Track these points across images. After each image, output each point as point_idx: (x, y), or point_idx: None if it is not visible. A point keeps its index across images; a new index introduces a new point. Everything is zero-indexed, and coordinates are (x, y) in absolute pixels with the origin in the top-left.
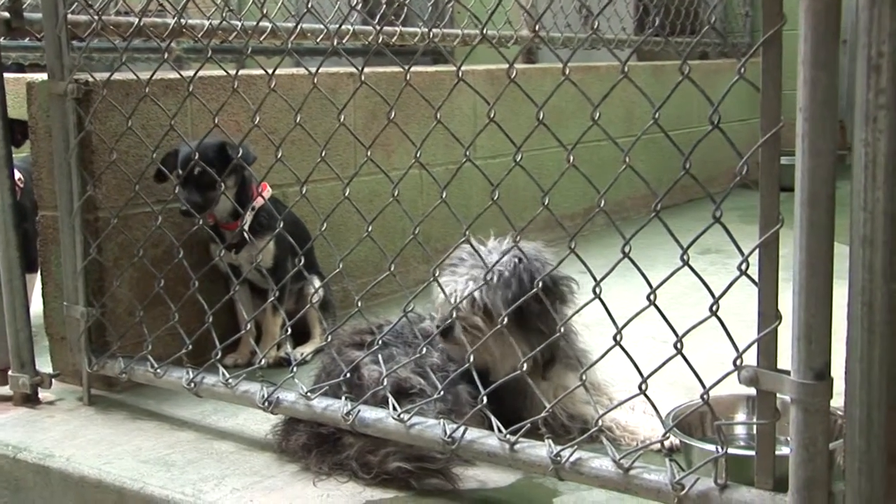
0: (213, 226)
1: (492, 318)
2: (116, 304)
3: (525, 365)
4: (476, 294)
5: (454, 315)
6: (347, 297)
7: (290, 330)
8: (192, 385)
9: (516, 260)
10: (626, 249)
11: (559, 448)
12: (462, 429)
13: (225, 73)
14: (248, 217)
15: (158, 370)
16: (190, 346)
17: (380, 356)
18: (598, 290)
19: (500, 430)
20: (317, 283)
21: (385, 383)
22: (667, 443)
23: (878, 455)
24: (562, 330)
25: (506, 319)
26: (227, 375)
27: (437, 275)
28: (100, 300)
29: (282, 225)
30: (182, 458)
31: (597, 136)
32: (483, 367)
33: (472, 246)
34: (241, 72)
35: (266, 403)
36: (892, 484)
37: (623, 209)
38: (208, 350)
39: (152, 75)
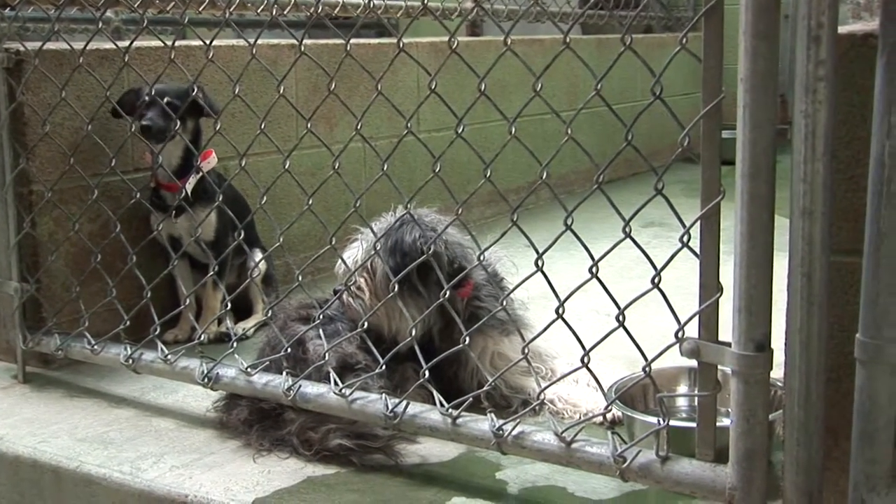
0: (154, 188)
1: (373, 278)
2: (52, 280)
3: (414, 330)
4: (362, 257)
5: (346, 278)
6: (290, 271)
7: (230, 305)
8: (131, 361)
9: (398, 224)
10: (569, 222)
11: (501, 422)
12: (404, 403)
13: (162, 44)
14: (193, 179)
15: (96, 347)
16: (128, 322)
17: (321, 331)
18: (540, 263)
19: (442, 405)
20: (258, 257)
21: (329, 358)
22: (609, 415)
23: (816, 426)
24: (472, 295)
25: (385, 280)
26: (167, 351)
27: (337, 243)
28: (34, 276)
29: (222, 198)
30: (120, 436)
31: (542, 110)
32: (376, 330)
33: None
34: (178, 43)
35: (206, 379)
36: (829, 454)
37: (567, 183)
38: (147, 326)
39: (86, 45)
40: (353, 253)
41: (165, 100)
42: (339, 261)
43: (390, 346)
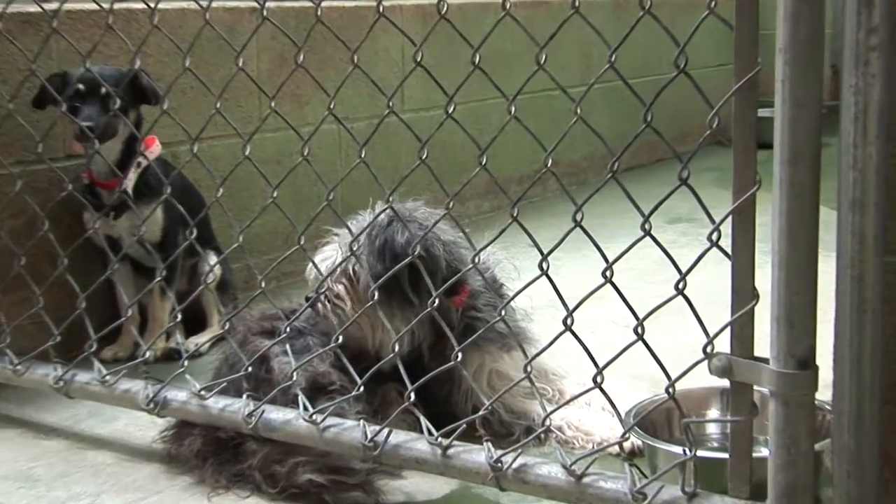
0: (88, 185)
1: (354, 286)
2: None
3: (398, 345)
4: (337, 259)
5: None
6: (251, 276)
7: (180, 316)
8: (62, 384)
9: (385, 222)
10: (579, 218)
11: (500, 452)
12: (386, 431)
13: (98, 7)
14: (133, 175)
15: (19, 367)
16: (59, 337)
17: (288, 346)
18: (545, 266)
19: (430, 433)
20: (213, 259)
21: (296, 377)
22: (627, 445)
23: (870, 455)
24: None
25: (367, 288)
26: (105, 372)
27: (308, 243)
28: None
29: (171, 190)
30: (49, 473)
31: (548, 85)
32: (357, 345)
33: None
34: (117, 5)
35: (151, 404)
36: (886, 489)
37: (579, 171)
38: (82, 342)
39: (6, 8)
40: (330, 255)
41: (103, 90)
42: (311, 264)
43: (371, 364)
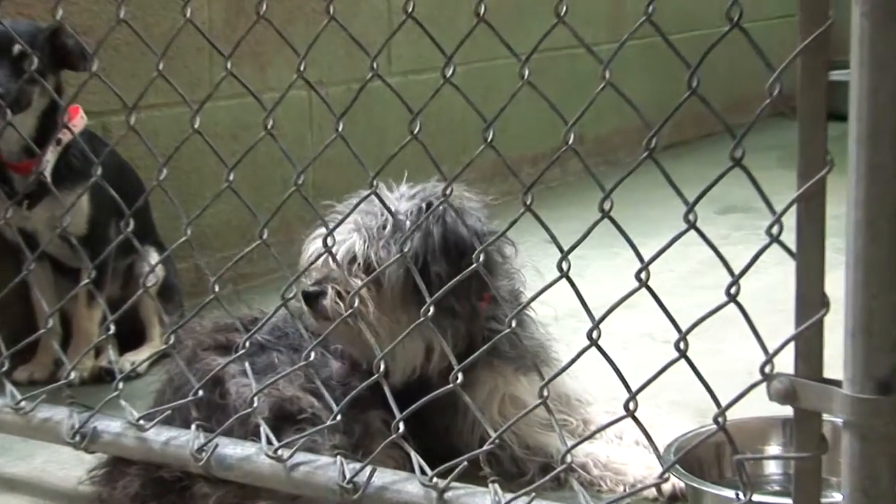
0: None
1: (379, 285)
2: None
3: (421, 359)
4: (358, 249)
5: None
6: (201, 278)
7: (113, 328)
8: None
9: (423, 205)
10: (607, 206)
11: (510, 497)
12: (368, 470)
13: None
14: (52, 155)
15: None
16: None
17: (247, 364)
18: (565, 267)
19: (423, 471)
20: (154, 257)
21: (258, 405)
22: (666, 487)
23: None
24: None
25: (402, 292)
26: (19, 397)
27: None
28: None
29: (100, 171)
30: None
31: (570, 43)
32: (368, 358)
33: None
34: None
35: (77, 437)
36: None
37: (608, 149)
38: None
39: None
40: (337, 239)
41: (16, 49)
42: (310, 246)
43: (354, 385)
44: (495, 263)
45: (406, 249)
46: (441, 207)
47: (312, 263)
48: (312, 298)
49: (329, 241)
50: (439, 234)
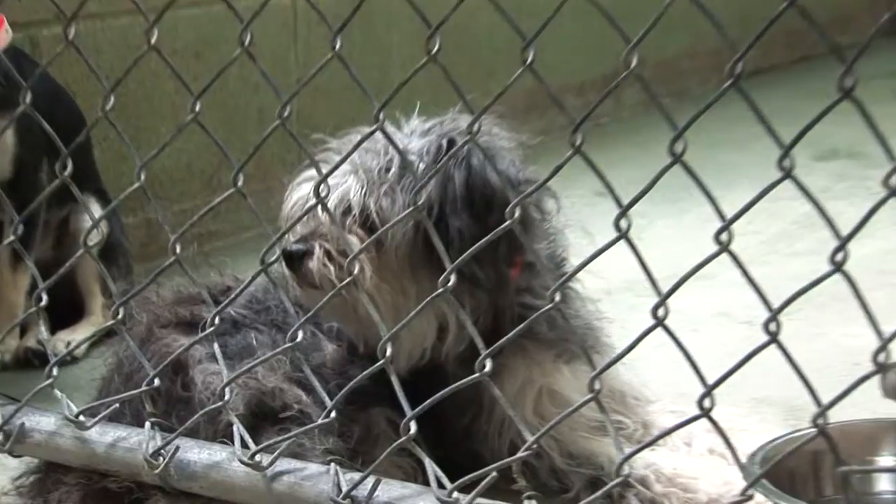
0: None
1: (381, 244)
2: None
3: (432, 340)
4: (354, 195)
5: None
6: (154, 236)
7: (45, 298)
8: None
9: (444, 143)
10: (679, 150)
11: None
12: (370, 482)
13: None
14: None
15: None
16: None
17: (216, 346)
18: (624, 225)
19: (440, 484)
20: (96, 209)
21: (231, 397)
22: None
23: None
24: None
25: (409, 252)
26: None
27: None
28: None
29: (29, 99)
30: None
31: None
32: (366, 339)
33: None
34: None
35: (0, 436)
36: None
37: (677, 75)
38: None
39: None
40: (343, 191)
41: None
42: (293, 197)
43: (356, 372)
44: (532, 221)
45: (420, 199)
46: (466, 147)
47: (304, 216)
48: (295, 260)
49: (322, 187)
50: (462, 180)
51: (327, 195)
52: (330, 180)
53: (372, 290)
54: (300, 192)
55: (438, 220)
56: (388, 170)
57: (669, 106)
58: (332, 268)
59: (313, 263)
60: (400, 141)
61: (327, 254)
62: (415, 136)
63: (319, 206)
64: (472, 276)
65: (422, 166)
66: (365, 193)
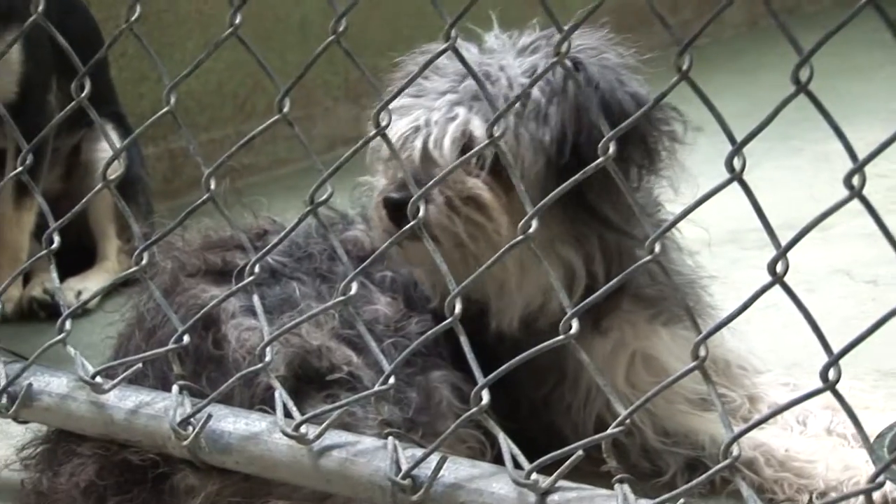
0: None
1: (508, 185)
2: None
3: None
4: (477, 129)
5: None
6: (179, 170)
7: (57, 239)
8: None
9: (566, 64)
10: (804, 76)
11: (645, 503)
12: (434, 459)
13: None
14: None
15: None
16: None
17: (256, 298)
18: (738, 165)
19: (516, 464)
20: (114, 137)
21: (271, 358)
22: (878, 497)
23: None
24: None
25: (539, 186)
26: None
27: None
28: None
29: (42, 6)
30: None
31: None
32: (481, 299)
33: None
34: None
35: (3, 399)
36: None
37: None
38: None
39: None
40: (431, 118)
41: None
42: (394, 129)
43: (414, 330)
44: (656, 152)
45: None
46: (595, 66)
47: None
48: (404, 208)
49: (412, 120)
50: (598, 105)
51: (432, 130)
52: (435, 115)
53: (501, 237)
54: (401, 125)
55: (572, 155)
56: (505, 98)
57: (799, 29)
58: (456, 219)
59: (433, 213)
60: (495, 59)
61: (448, 201)
62: (510, 53)
63: (429, 145)
64: (604, 217)
65: (537, 92)
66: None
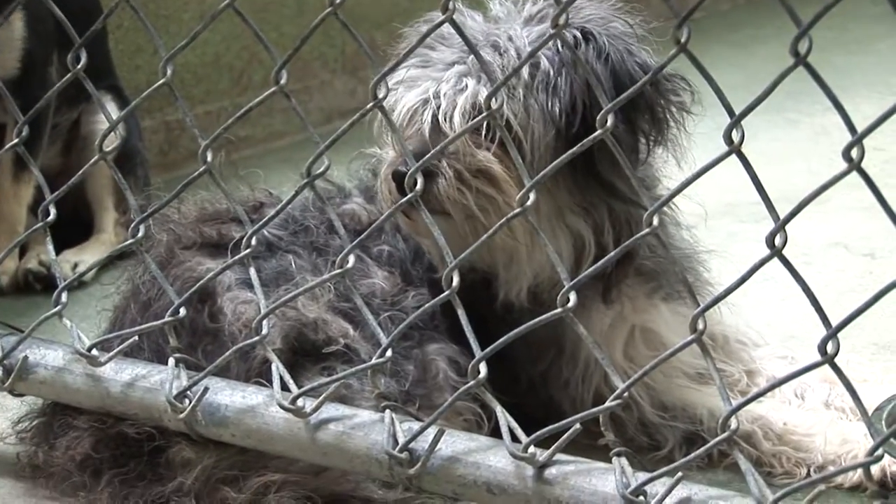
0: None
1: (518, 154)
2: None
3: (569, 261)
4: (482, 97)
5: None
6: (177, 142)
7: (53, 212)
8: None
9: (575, 34)
10: (803, 48)
11: (642, 477)
12: (431, 433)
13: None
14: None
15: None
16: None
17: (252, 271)
18: (736, 137)
19: (513, 437)
20: (113, 109)
21: (268, 331)
22: (876, 470)
23: None
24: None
25: (547, 157)
26: None
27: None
28: None
29: None
30: None
31: None
32: (488, 270)
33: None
34: None
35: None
36: None
37: None
38: None
39: None
40: (441, 88)
41: None
42: (402, 101)
43: (410, 304)
44: (665, 118)
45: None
46: (604, 37)
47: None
48: (414, 182)
49: (431, 89)
50: (607, 76)
51: (440, 101)
52: (445, 86)
53: (508, 209)
54: (410, 97)
55: (581, 126)
56: (511, 67)
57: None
58: (467, 192)
59: (443, 187)
60: (502, 29)
61: (458, 175)
62: (516, 21)
63: (440, 116)
64: (611, 184)
65: (546, 63)
66: (496, 99)
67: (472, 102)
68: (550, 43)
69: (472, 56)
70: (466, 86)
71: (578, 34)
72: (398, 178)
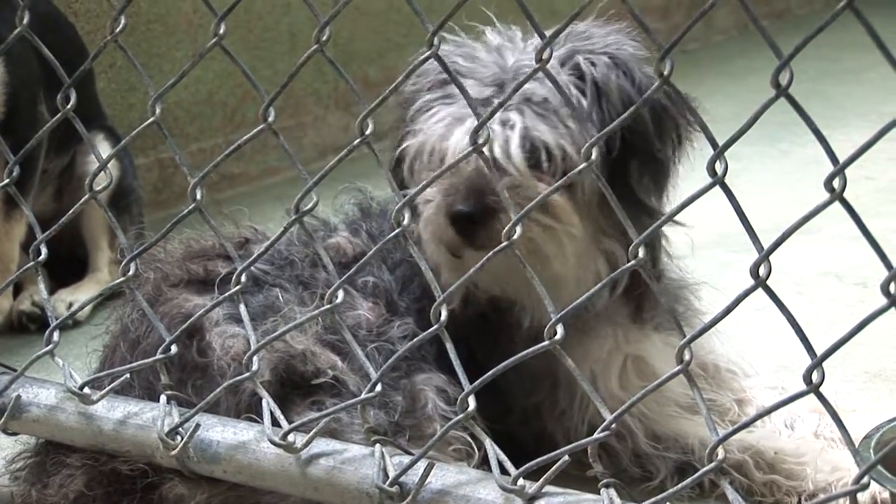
0: None
1: (570, 187)
2: None
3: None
4: (546, 135)
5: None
6: (171, 180)
7: (44, 251)
8: None
9: (602, 61)
10: (785, 80)
11: None
12: (421, 466)
13: None
14: None
15: None
16: None
17: (242, 307)
18: (720, 169)
19: (503, 470)
20: (105, 149)
21: (257, 366)
22: (864, 498)
23: None
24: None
25: (595, 187)
26: None
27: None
28: None
29: (27, 20)
30: None
31: None
32: (516, 297)
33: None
34: None
35: None
36: None
37: None
38: None
39: None
40: (521, 131)
41: None
42: (451, 140)
43: (397, 336)
44: (682, 138)
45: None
46: (633, 62)
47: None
48: (477, 222)
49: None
50: (649, 107)
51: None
52: (493, 125)
53: (569, 236)
54: (457, 136)
55: (621, 149)
56: (545, 99)
57: (769, 29)
58: (533, 226)
59: (507, 222)
60: (514, 57)
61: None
62: (523, 52)
63: (496, 154)
64: (643, 205)
65: (576, 92)
66: (553, 133)
67: (523, 136)
68: (594, 70)
69: (508, 89)
70: (512, 121)
71: (607, 59)
72: (460, 217)
